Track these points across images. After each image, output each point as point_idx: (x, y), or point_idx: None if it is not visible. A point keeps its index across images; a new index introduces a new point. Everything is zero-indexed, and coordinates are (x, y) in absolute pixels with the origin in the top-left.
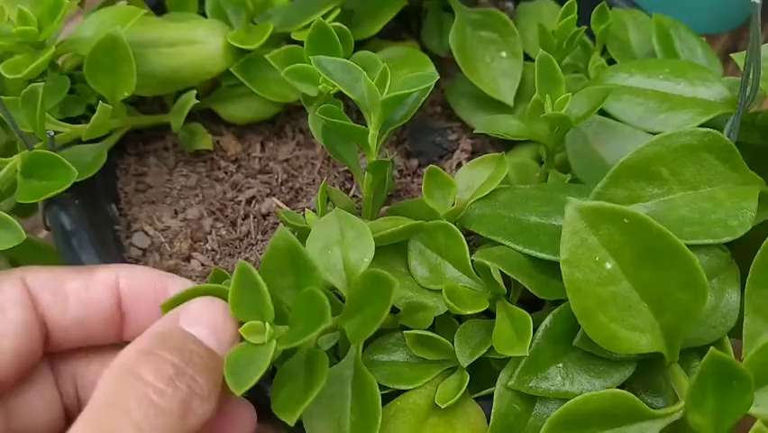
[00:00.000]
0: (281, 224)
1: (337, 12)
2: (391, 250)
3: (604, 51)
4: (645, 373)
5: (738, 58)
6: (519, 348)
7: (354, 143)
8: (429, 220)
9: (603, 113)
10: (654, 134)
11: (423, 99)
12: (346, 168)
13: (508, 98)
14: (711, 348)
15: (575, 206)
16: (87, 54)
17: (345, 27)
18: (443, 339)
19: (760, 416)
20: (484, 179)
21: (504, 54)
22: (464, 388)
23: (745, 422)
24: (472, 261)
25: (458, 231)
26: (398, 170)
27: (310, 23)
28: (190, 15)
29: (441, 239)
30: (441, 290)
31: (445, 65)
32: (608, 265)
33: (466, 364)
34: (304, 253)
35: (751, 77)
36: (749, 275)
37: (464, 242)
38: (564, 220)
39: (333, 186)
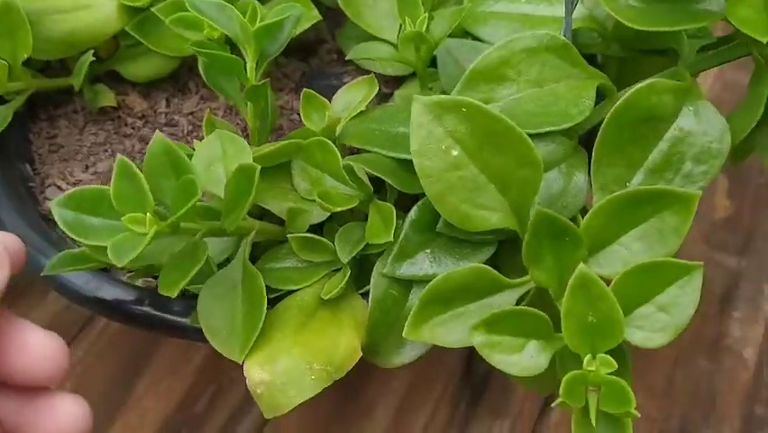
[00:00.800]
0: None
1: None
2: (277, 171)
3: None
4: (509, 254)
5: None
6: (386, 236)
7: (236, 78)
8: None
9: (475, 39)
10: None
11: (295, 31)
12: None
13: (393, 36)
14: (538, 208)
15: (421, 101)
16: None
17: None
18: (325, 240)
19: (602, 276)
20: (358, 98)
21: None
22: (345, 281)
23: None
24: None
25: (332, 145)
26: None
27: None
28: None
29: (318, 154)
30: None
31: (338, 14)
32: (455, 152)
33: (346, 260)
34: (180, 154)
35: None
36: (592, 156)
37: (338, 154)
38: (412, 114)
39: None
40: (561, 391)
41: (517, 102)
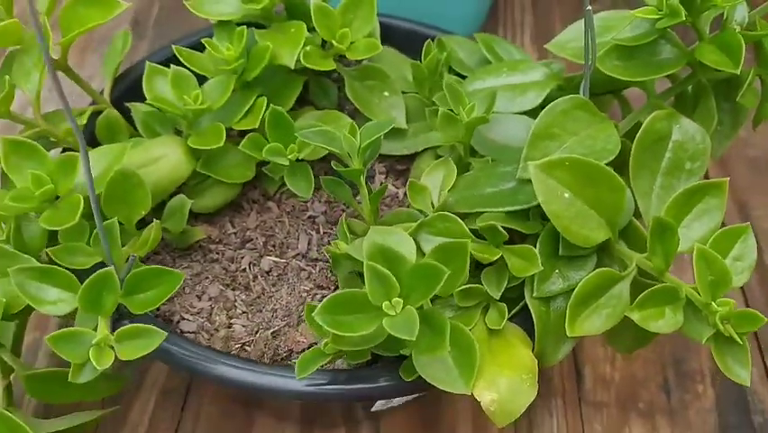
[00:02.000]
0: (285, 273)
1: (262, 100)
2: None
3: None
4: (601, 259)
5: (554, 48)
6: (533, 268)
7: (346, 185)
8: (416, 220)
9: None
10: (520, 113)
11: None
12: (308, 216)
13: (402, 123)
14: (653, 217)
15: (535, 165)
16: (104, 190)
17: (281, 110)
18: (480, 286)
19: (683, 251)
20: (441, 178)
21: (386, 94)
22: (506, 313)
23: None
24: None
25: (453, 215)
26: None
27: (245, 114)
28: (134, 141)
29: (440, 224)
30: None
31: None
32: (566, 195)
33: (497, 296)
34: (396, 252)
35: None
36: (630, 173)
37: (459, 220)
38: (532, 176)
39: (303, 230)
40: (713, 325)
41: (570, 149)
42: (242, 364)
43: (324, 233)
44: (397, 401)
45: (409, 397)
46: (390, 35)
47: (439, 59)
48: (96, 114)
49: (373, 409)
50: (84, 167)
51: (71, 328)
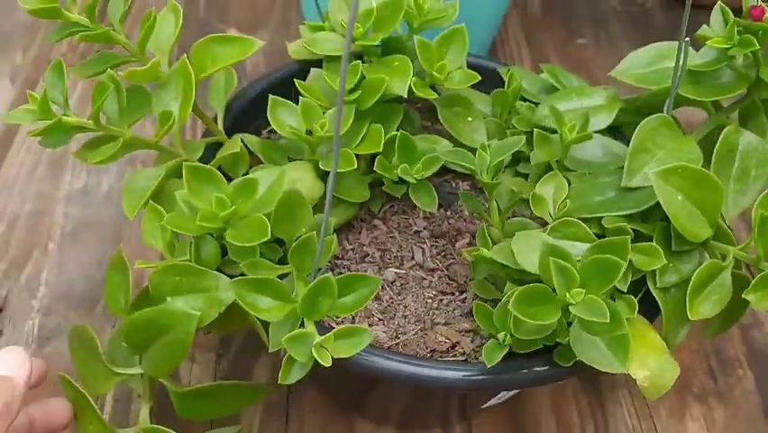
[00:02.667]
0: (407, 283)
1: (378, 127)
2: None
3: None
4: (701, 253)
5: (617, 74)
6: (659, 262)
7: (477, 199)
8: (532, 227)
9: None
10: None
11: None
12: (413, 231)
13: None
14: (759, 213)
15: (655, 172)
16: (274, 210)
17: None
18: None
19: None
20: (553, 190)
21: (470, 119)
22: (635, 304)
23: None
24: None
25: (574, 219)
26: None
27: (362, 138)
28: (262, 168)
29: (565, 229)
30: None
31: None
32: (680, 197)
33: (625, 289)
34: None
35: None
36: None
37: (584, 226)
38: (654, 183)
39: (413, 243)
40: None
41: (662, 161)
42: (417, 361)
43: (431, 245)
44: (501, 396)
45: (507, 394)
46: None
47: (517, 86)
48: (212, 144)
49: (485, 405)
50: (330, 188)
51: (300, 330)
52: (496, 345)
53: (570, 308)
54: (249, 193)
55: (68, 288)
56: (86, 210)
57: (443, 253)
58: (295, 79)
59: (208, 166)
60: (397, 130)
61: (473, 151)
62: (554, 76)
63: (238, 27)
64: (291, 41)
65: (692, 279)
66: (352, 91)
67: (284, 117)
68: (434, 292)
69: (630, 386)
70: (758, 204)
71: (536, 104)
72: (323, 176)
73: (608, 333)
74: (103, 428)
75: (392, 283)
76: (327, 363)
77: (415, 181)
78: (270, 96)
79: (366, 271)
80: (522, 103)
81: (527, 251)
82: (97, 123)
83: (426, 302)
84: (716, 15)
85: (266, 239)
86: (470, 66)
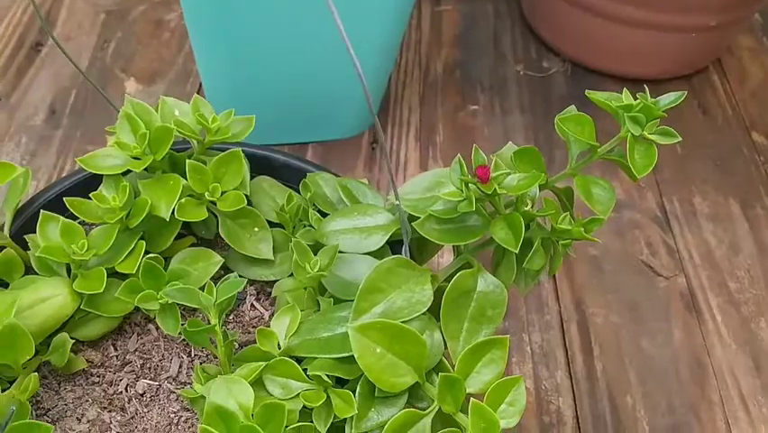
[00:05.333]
0: (157, 395)
1: (142, 244)
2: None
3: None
4: (412, 396)
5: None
6: (352, 410)
7: (204, 333)
8: (267, 360)
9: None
10: (365, 254)
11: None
12: (182, 339)
13: (269, 255)
14: (441, 375)
15: (352, 327)
16: None
17: (157, 263)
18: (309, 424)
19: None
20: (288, 323)
21: (256, 229)
22: None
23: None
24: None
25: (289, 359)
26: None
27: (125, 257)
28: (26, 280)
29: (281, 367)
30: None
31: (216, 244)
32: (378, 349)
33: (324, 431)
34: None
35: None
36: (441, 319)
37: (295, 364)
38: (350, 335)
39: (177, 353)
40: None
41: (392, 301)
42: None
43: (194, 355)
44: None
45: None
46: (269, 165)
47: (299, 205)
48: None
49: None
50: None
51: None
52: None
53: None
54: None
55: None
56: None
57: (203, 365)
58: (65, 198)
59: None
60: (193, 234)
61: (260, 260)
62: (345, 190)
63: (137, 77)
64: (185, 94)
65: (385, 427)
66: (122, 209)
67: (51, 232)
68: (178, 407)
69: None
70: (459, 361)
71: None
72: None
73: None
74: None
75: (142, 395)
76: None
77: (158, 307)
78: (42, 212)
79: (121, 380)
80: (315, 213)
81: (224, 396)
82: None
83: (169, 416)
84: (454, 166)
85: None
86: (286, 167)
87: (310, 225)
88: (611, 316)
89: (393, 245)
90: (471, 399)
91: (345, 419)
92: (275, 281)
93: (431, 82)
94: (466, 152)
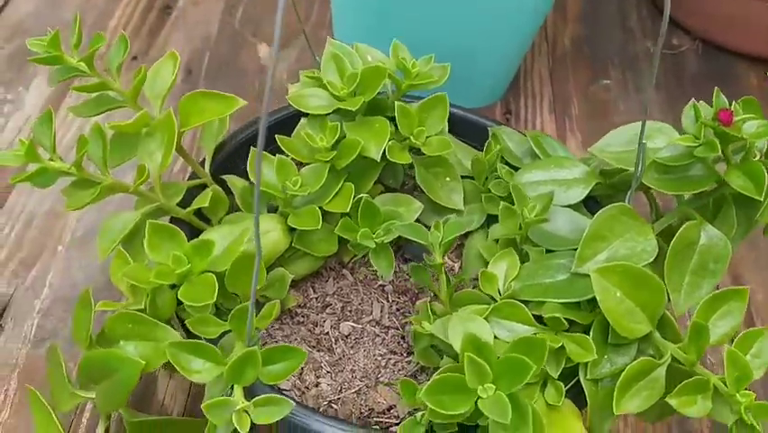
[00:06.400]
0: (362, 337)
1: (350, 185)
2: None
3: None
4: (641, 346)
5: (596, 151)
6: (590, 355)
7: (427, 271)
8: (482, 301)
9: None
10: (566, 206)
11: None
12: (378, 285)
13: (460, 206)
14: (693, 321)
15: (594, 270)
16: (229, 268)
17: (372, 200)
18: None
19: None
20: (506, 268)
21: (448, 179)
22: (563, 391)
23: None
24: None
25: (517, 302)
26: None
27: (334, 194)
28: (236, 216)
29: (507, 309)
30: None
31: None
32: (618, 294)
33: (556, 376)
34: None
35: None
36: (665, 270)
37: (524, 307)
38: (592, 279)
39: (376, 297)
40: (737, 413)
41: (616, 250)
42: (338, 425)
43: (392, 301)
44: None
45: None
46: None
47: (497, 153)
48: (195, 187)
49: None
50: (256, 241)
51: (223, 397)
52: (413, 423)
53: (478, 402)
54: (204, 253)
55: (70, 291)
56: (99, 217)
57: (401, 311)
58: (276, 135)
59: (169, 224)
60: (380, 183)
61: (450, 210)
62: (537, 143)
63: (268, 42)
64: (316, 60)
65: (622, 374)
66: (330, 151)
67: (263, 170)
68: (384, 350)
69: None
70: (698, 310)
71: (517, 168)
72: (292, 229)
73: (512, 430)
74: None
75: (347, 337)
76: (245, 429)
77: (374, 246)
78: (252, 149)
79: (325, 321)
80: (503, 166)
81: (462, 332)
82: (79, 170)
83: (376, 359)
84: (687, 112)
85: (211, 301)
86: (463, 121)
87: (500, 178)
88: None
89: None
90: (727, 347)
91: (574, 365)
92: (461, 235)
93: (559, 56)
94: (604, 126)
